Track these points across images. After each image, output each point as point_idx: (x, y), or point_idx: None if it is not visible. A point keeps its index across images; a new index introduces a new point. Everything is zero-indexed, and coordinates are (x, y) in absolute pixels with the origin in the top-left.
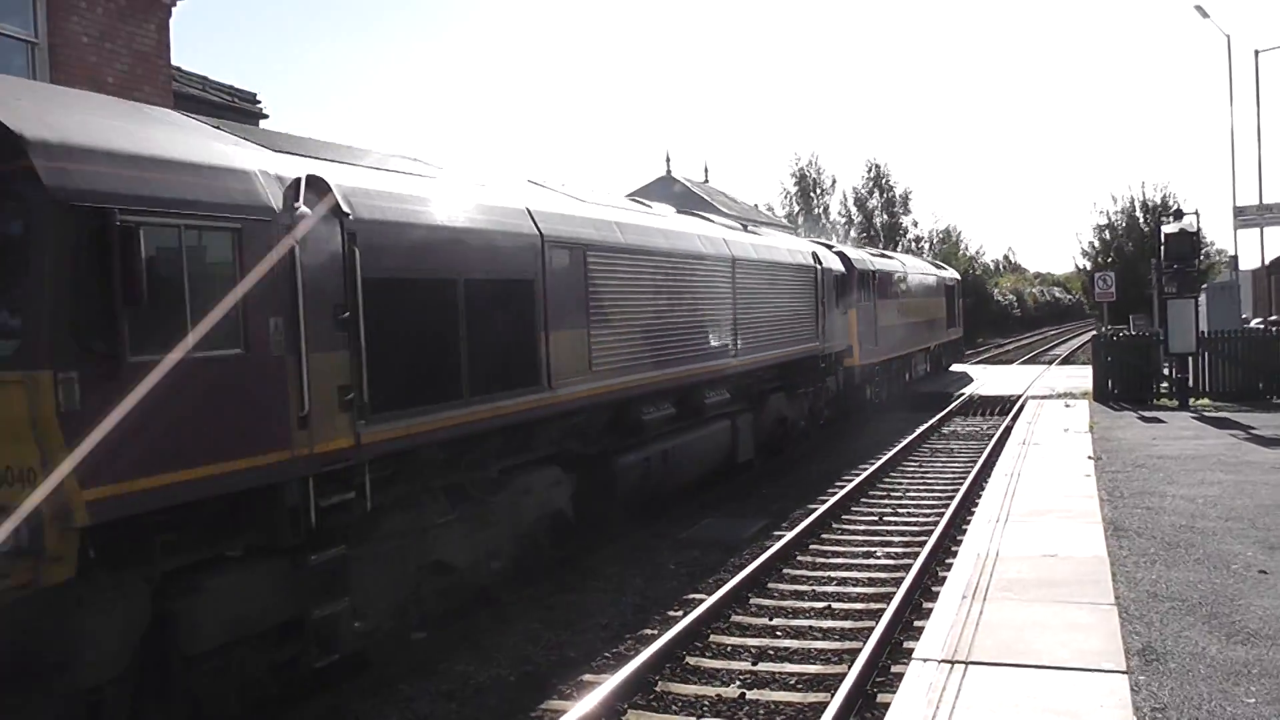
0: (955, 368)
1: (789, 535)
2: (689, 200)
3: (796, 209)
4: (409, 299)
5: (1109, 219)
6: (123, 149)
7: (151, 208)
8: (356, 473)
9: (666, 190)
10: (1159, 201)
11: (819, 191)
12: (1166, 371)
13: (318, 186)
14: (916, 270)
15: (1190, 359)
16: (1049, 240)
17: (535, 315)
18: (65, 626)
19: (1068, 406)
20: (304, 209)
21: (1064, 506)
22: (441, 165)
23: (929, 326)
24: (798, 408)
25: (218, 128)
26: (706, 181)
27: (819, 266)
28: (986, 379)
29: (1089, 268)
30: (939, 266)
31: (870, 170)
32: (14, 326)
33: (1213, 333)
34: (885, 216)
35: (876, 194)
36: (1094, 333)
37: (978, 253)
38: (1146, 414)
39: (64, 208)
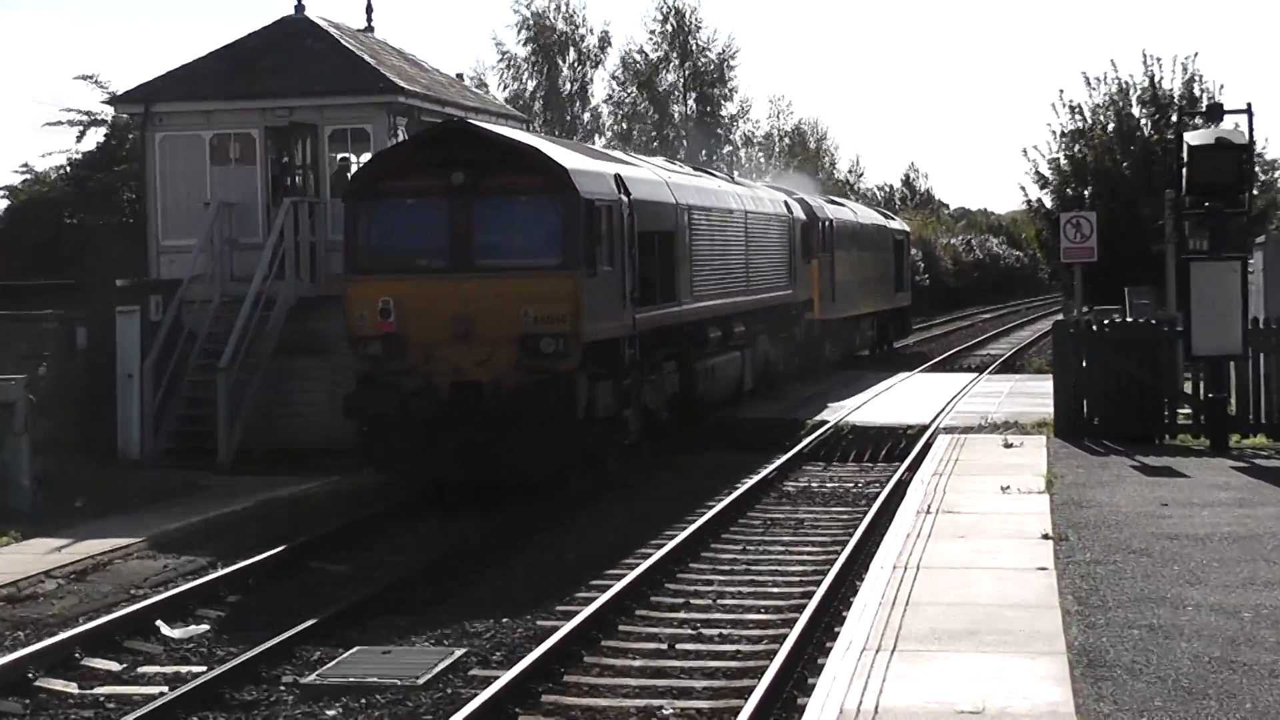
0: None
1: (504, 678)
2: (336, 59)
3: (532, 86)
4: (644, 244)
5: (1085, 118)
6: (587, 169)
7: (598, 198)
8: (633, 340)
9: (296, 42)
10: (1178, 91)
11: (578, 58)
12: (1189, 388)
13: (620, 181)
14: (867, 219)
15: (1233, 367)
16: (985, 162)
17: (677, 254)
18: (573, 391)
19: (1009, 446)
20: (623, 196)
21: (997, 625)
22: (627, 157)
23: (878, 286)
24: (777, 351)
25: (591, 153)
26: (370, 29)
27: (791, 216)
28: (867, 398)
29: (1050, 205)
30: (886, 216)
31: (664, 10)
32: (559, 252)
33: (1274, 322)
34: (693, 102)
35: (676, 59)
36: (1059, 319)
37: (852, 172)
38: (1152, 462)
39: (582, 200)
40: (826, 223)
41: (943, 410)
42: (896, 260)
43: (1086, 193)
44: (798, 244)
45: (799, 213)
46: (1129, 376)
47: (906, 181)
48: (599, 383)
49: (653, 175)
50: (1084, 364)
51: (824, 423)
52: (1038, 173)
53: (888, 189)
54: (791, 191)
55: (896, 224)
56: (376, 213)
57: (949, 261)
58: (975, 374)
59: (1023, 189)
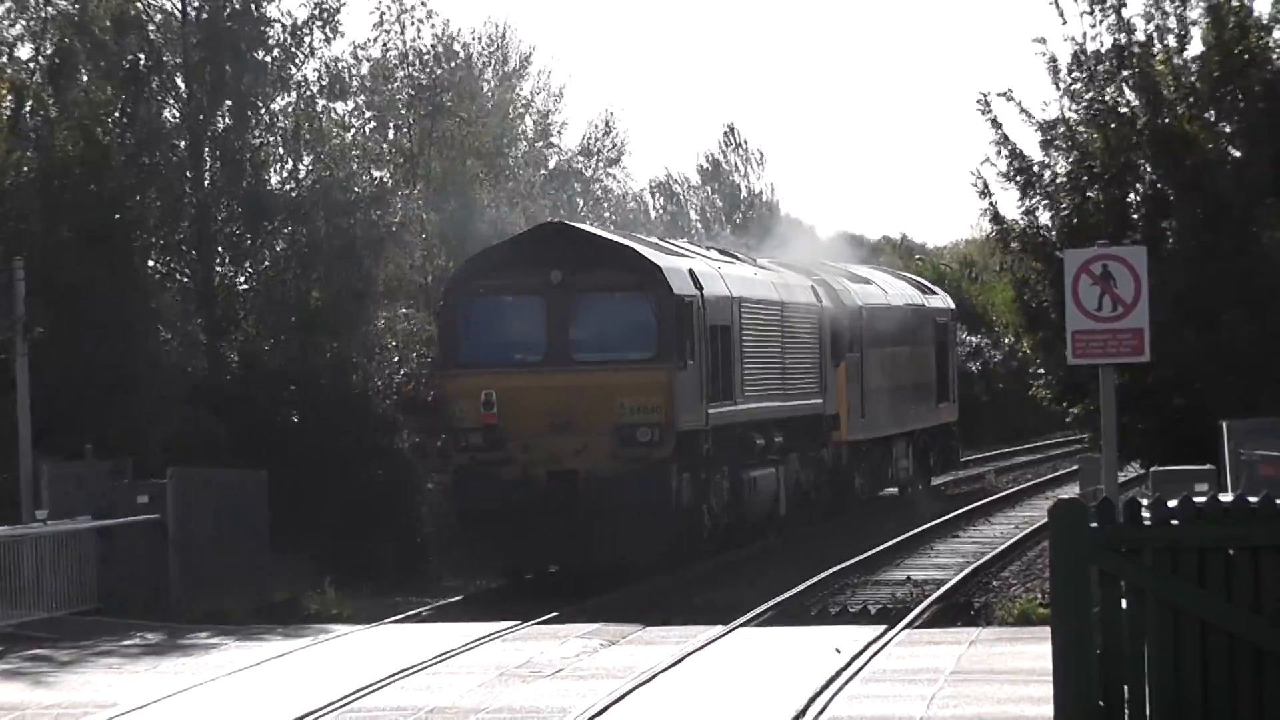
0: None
1: None
2: None
3: None
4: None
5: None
6: (674, 266)
7: (685, 294)
8: (708, 435)
9: None
10: None
11: None
12: None
13: (694, 276)
14: (900, 298)
15: None
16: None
17: (732, 350)
18: (668, 480)
19: None
20: (698, 291)
21: None
22: (686, 246)
23: (915, 395)
24: (808, 475)
25: (662, 247)
26: None
27: (820, 305)
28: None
29: (1049, 225)
30: (920, 287)
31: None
32: (653, 346)
33: None
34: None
35: None
36: (1064, 499)
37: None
38: None
39: (674, 296)
40: (856, 311)
41: (802, 712)
42: (939, 356)
43: (1134, 196)
44: (827, 341)
45: (826, 300)
46: (1230, 636)
47: (716, 167)
48: (683, 474)
49: (710, 267)
50: (1124, 606)
51: None
52: (1009, 161)
53: (665, 184)
54: (811, 270)
55: (937, 300)
56: (476, 309)
57: None
58: (880, 626)
59: (981, 183)
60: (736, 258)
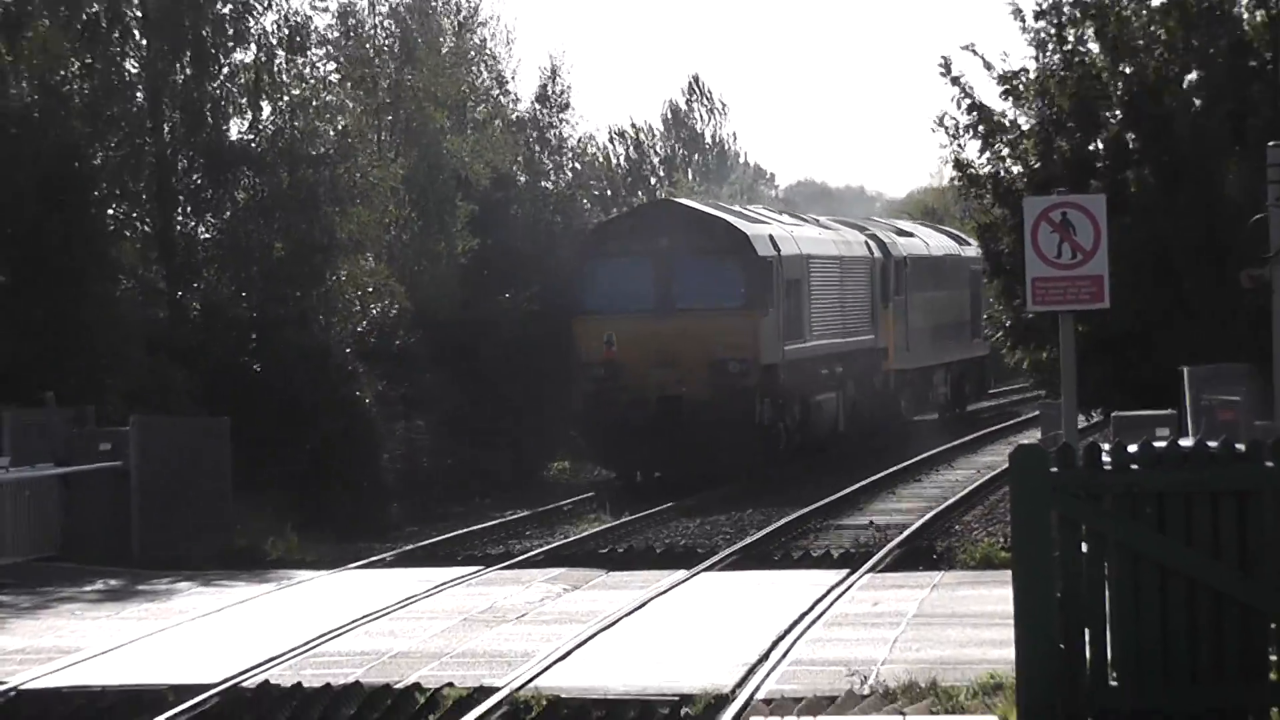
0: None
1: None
2: None
3: None
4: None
5: None
6: (759, 234)
7: (766, 255)
8: (784, 368)
9: None
10: None
11: None
12: None
13: (773, 240)
14: (940, 249)
15: None
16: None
17: (803, 298)
18: (753, 403)
19: None
20: (776, 251)
21: None
22: (763, 213)
23: (952, 332)
24: (863, 399)
25: (747, 215)
26: None
27: (872, 257)
28: (611, 616)
29: (1013, 174)
30: (957, 239)
31: None
32: (742, 297)
33: None
34: None
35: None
36: (1025, 444)
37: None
38: None
39: (759, 258)
40: (901, 261)
41: (766, 655)
42: (973, 298)
43: (1098, 144)
44: (878, 287)
45: (877, 252)
46: (1189, 580)
47: (676, 116)
48: (765, 399)
49: (785, 231)
50: (1083, 550)
51: (485, 693)
52: (970, 113)
53: (633, 133)
54: (864, 226)
55: (971, 250)
56: (600, 268)
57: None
58: (843, 570)
59: (944, 128)
60: (804, 220)
